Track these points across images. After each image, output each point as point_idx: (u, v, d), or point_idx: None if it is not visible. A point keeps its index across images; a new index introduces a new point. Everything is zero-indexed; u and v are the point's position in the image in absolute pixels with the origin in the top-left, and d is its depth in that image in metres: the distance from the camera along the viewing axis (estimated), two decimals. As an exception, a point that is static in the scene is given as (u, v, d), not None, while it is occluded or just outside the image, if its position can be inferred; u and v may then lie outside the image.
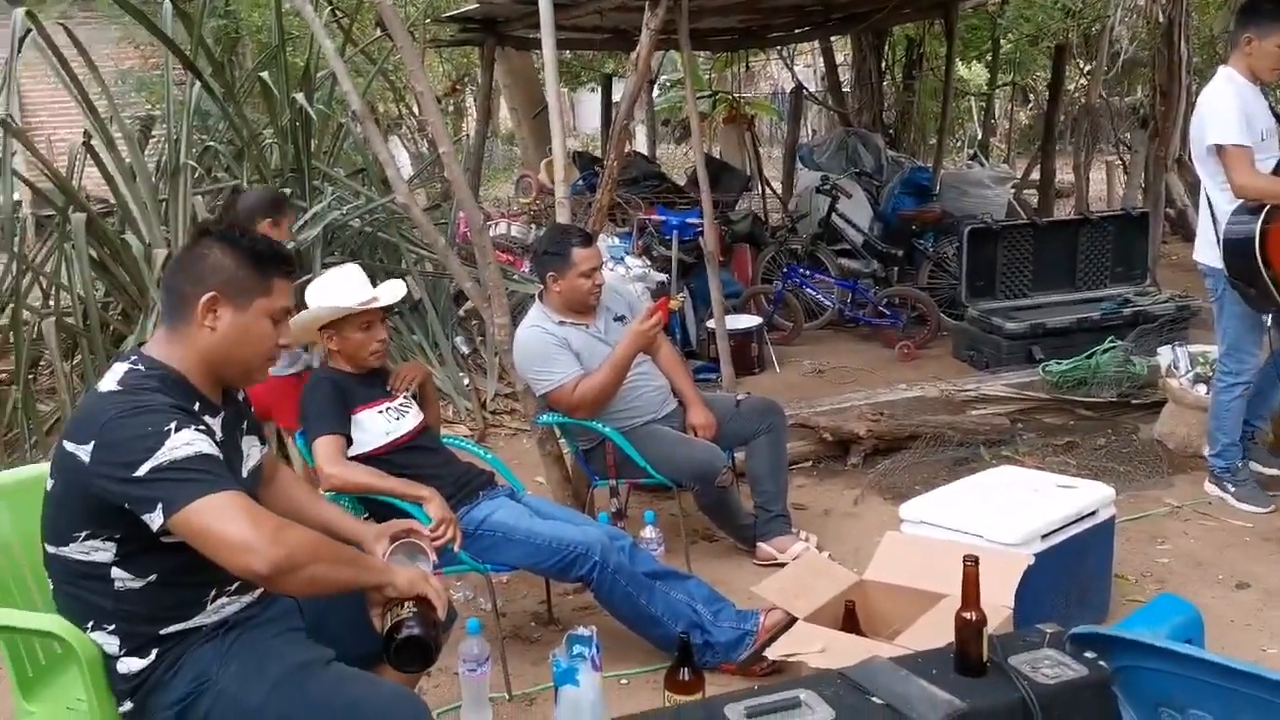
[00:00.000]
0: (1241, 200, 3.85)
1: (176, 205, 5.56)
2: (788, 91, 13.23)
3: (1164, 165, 8.21)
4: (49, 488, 1.99)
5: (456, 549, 2.99)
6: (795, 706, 1.97)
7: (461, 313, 6.69)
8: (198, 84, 5.86)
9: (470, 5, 7.42)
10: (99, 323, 5.20)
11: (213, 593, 2.05)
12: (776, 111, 16.71)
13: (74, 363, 5.37)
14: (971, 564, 2.07)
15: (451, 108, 16.34)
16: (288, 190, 5.76)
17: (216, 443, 1.97)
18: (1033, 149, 12.63)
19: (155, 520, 1.84)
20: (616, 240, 6.59)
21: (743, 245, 7.90)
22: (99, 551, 1.95)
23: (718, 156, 10.99)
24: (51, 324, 5.06)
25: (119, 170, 5.52)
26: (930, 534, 3.12)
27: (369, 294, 3.16)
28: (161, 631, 2.01)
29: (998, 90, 13.62)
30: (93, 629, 2.00)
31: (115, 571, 1.96)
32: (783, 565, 3.61)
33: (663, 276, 6.48)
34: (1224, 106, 3.89)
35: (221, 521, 1.82)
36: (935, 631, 2.44)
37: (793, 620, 2.87)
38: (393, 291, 3.26)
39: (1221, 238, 3.94)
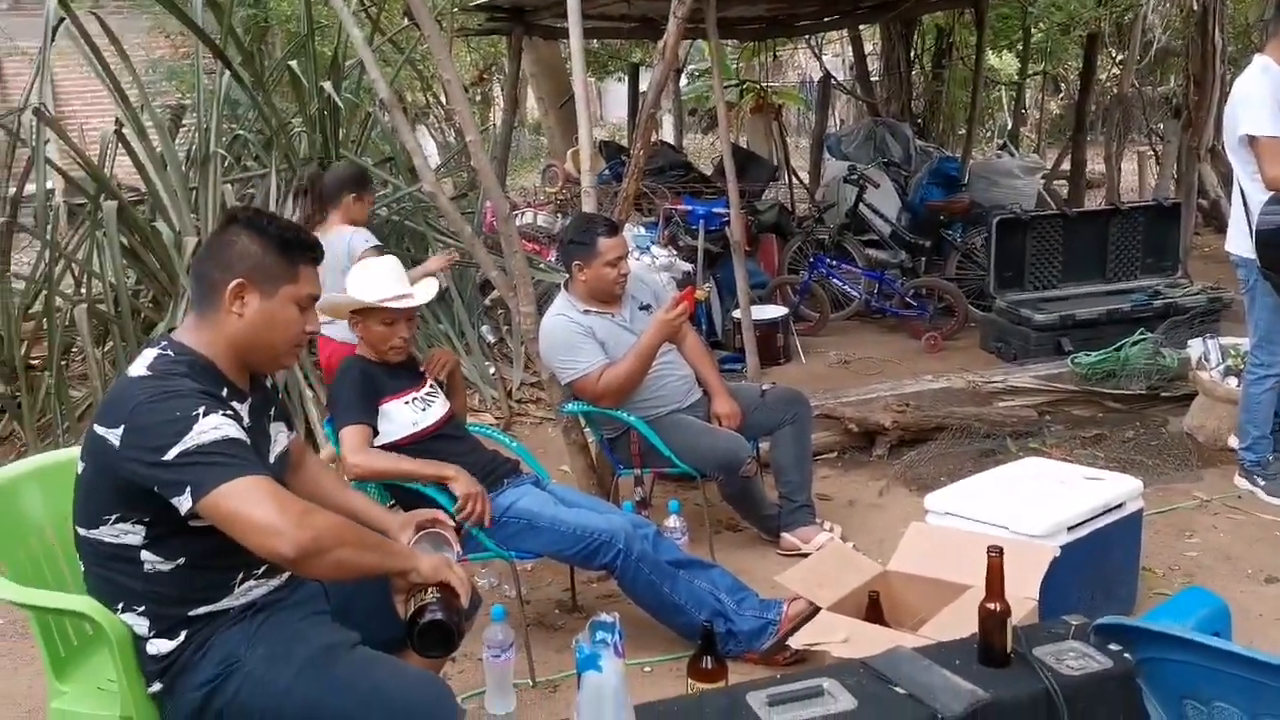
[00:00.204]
0: (1275, 191, 3.80)
1: (206, 193, 5.61)
2: (815, 81, 13.17)
3: (1197, 156, 8.11)
4: (80, 471, 2.02)
5: (486, 523, 3.01)
6: (818, 695, 1.97)
7: (487, 302, 6.71)
8: (227, 73, 5.90)
9: (498, -6, 7.42)
10: (130, 309, 5.25)
11: (240, 576, 2.08)
12: (804, 101, 16.64)
13: (106, 349, 5.43)
14: (996, 555, 2.07)
15: (479, 97, 16.36)
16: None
17: (244, 428, 1.98)
18: (1063, 139, 12.52)
19: (184, 504, 1.86)
20: (642, 230, 6.59)
21: (769, 235, 7.88)
22: (129, 534, 1.98)
23: (745, 146, 10.96)
24: (84, 311, 5.12)
25: (150, 159, 5.57)
26: (955, 525, 3.11)
27: (397, 291, 3.14)
28: (190, 613, 2.03)
29: (1028, 80, 13.50)
30: (123, 610, 2.03)
31: (145, 554, 1.99)
32: (806, 556, 3.60)
33: (688, 266, 6.48)
34: (1258, 96, 3.84)
35: (248, 505, 1.84)
36: (959, 622, 2.43)
37: (816, 610, 2.87)
38: (424, 292, 3.25)
39: (1254, 228, 3.89)
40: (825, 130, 10.92)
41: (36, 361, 5.57)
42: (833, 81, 11.53)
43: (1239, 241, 4.04)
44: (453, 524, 2.46)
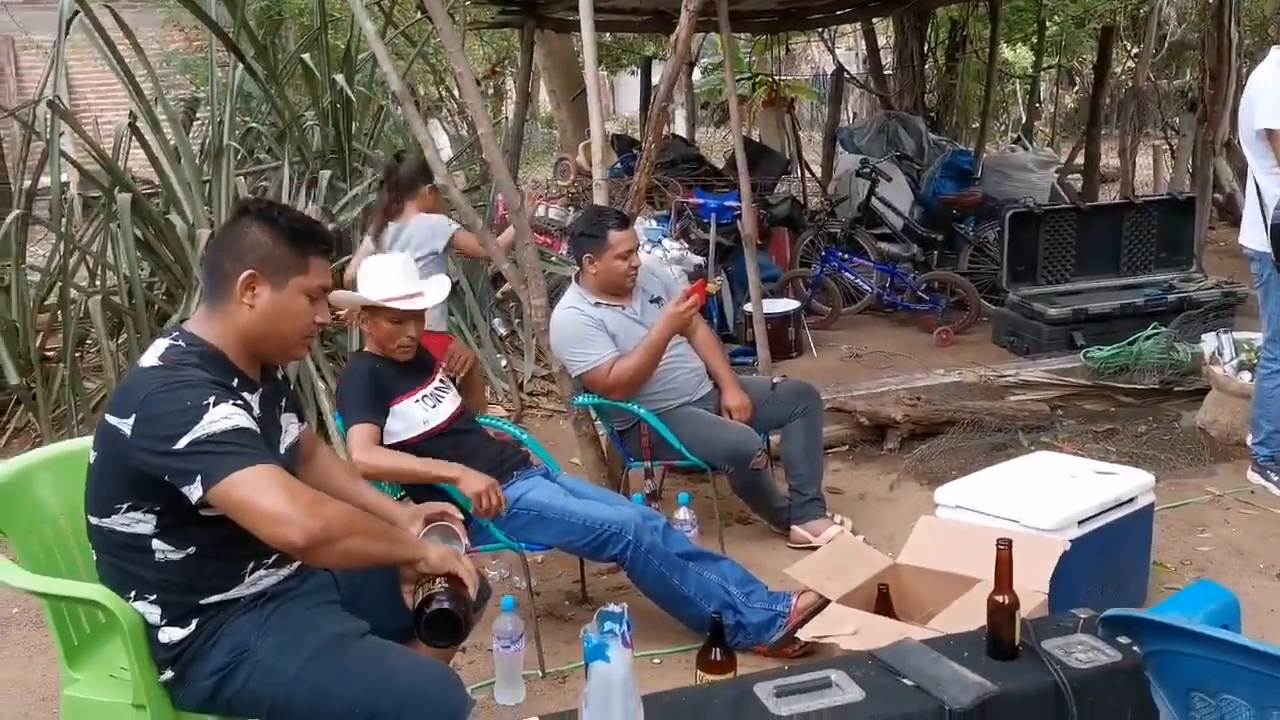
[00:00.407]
0: None
1: (219, 186, 5.63)
2: (828, 75, 13.14)
3: (1212, 150, 8.07)
4: (92, 460, 2.04)
5: (502, 515, 3.00)
6: (826, 686, 1.98)
7: (499, 295, 6.72)
8: (240, 66, 5.92)
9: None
10: (144, 301, 5.27)
11: (250, 565, 2.09)
12: (817, 94, 16.60)
13: (120, 341, 5.46)
14: (1005, 547, 2.06)
15: (491, 90, 16.36)
16: (328, 172, 5.81)
17: (254, 418, 1.99)
18: (1078, 133, 12.46)
19: (194, 492, 1.87)
20: (654, 223, 6.58)
21: (781, 229, 7.87)
22: (140, 523, 1.99)
23: (757, 139, 10.94)
24: (98, 302, 5.15)
25: (164, 151, 5.59)
26: (965, 518, 3.11)
27: (408, 289, 3.12)
28: (201, 602, 2.05)
29: (1043, 73, 13.44)
30: (134, 599, 2.04)
31: (156, 543, 2.01)
32: (817, 549, 3.61)
33: (700, 259, 6.48)
34: (1274, 89, 3.81)
35: (258, 494, 1.85)
36: (969, 615, 2.43)
37: (825, 602, 2.87)
38: (435, 292, 3.23)
39: (1269, 222, 3.87)
40: (838, 123, 10.90)
41: (51, 353, 5.60)
42: (846, 75, 11.48)
43: (1253, 235, 4.03)
44: (461, 516, 2.47)
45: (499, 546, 3.19)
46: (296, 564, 2.18)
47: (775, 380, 4.20)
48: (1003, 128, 15.09)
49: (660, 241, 6.33)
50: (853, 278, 7.36)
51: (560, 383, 4.16)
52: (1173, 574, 3.57)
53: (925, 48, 10.69)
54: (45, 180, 5.65)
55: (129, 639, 2.02)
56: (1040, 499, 3.07)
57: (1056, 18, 12.09)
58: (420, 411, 3.16)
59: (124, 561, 2.03)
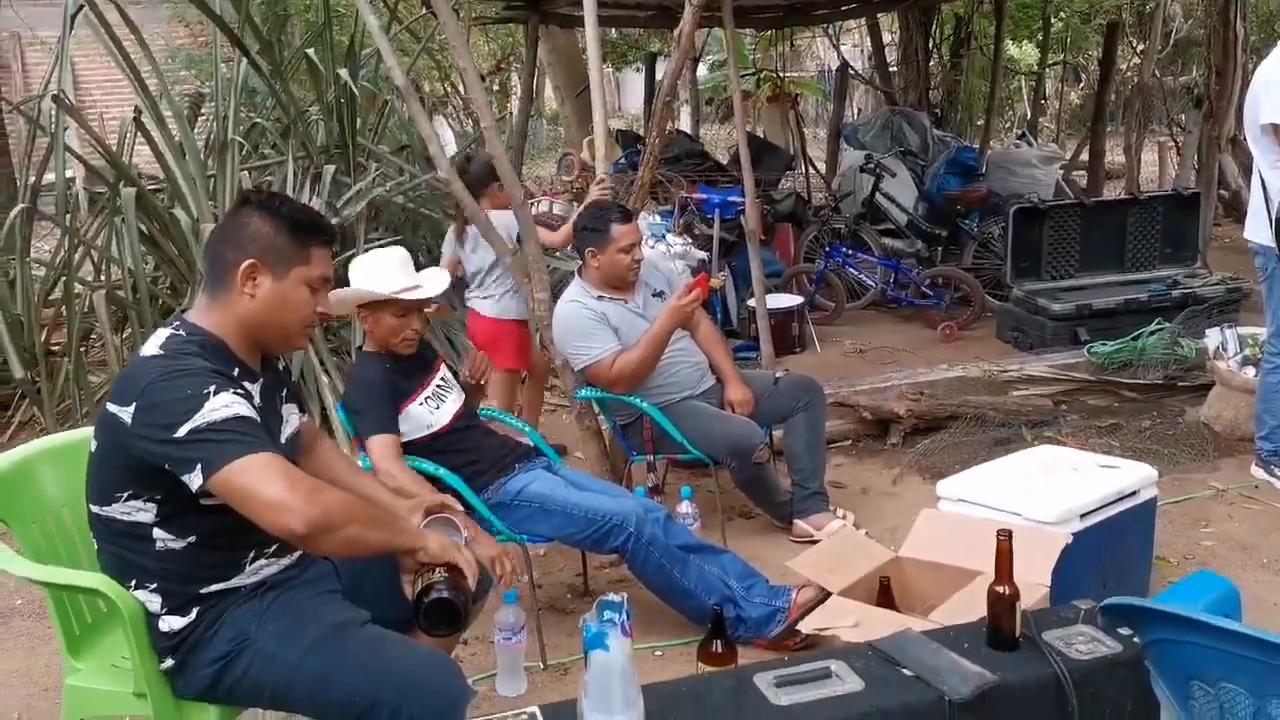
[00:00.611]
0: None
1: (224, 181, 5.64)
2: (833, 71, 13.13)
3: (1218, 146, 8.05)
4: (93, 449, 2.04)
5: (519, 578, 2.94)
6: (825, 677, 1.98)
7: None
8: (245, 61, 5.92)
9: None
10: (148, 296, 5.28)
11: (251, 554, 2.09)
12: (822, 91, 16.59)
13: (124, 335, 5.47)
14: (1005, 538, 2.06)
15: (496, 87, 16.37)
16: (332, 167, 5.81)
17: (255, 407, 2.00)
18: (1083, 130, 12.44)
19: (194, 481, 1.87)
20: (657, 218, 6.58)
21: (785, 224, 7.86)
22: (140, 512, 2.00)
23: (761, 136, 10.93)
24: (102, 296, 5.16)
25: (168, 146, 5.59)
26: (967, 511, 3.10)
27: (408, 282, 3.08)
28: (202, 591, 2.05)
29: (1048, 69, 13.41)
30: (135, 587, 2.05)
31: (156, 532, 2.01)
32: (819, 542, 3.60)
33: (703, 255, 6.47)
34: (1279, 83, 3.80)
35: (259, 482, 1.86)
36: (970, 608, 2.43)
37: (826, 596, 2.87)
38: (435, 283, 3.17)
39: (1273, 216, 3.86)
40: (842, 119, 10.88)
41: (56, 347, 5.61)
42: (850, 71, 11.47)
43: (1258, 229, 4.02)
44: (461, 508, 2.47)
45: (500, 539, 3.17)
46: (297, 554, 2.18)
47: (778, 374, 4.20)
48: (1008, 124, 15.06)
49: (664, 236, 6.32)
50: (857, 273, 7.36)
51: (563, 377, 4.16)
52: (1175, 568, 3.57)
53: (930, 44, 10.68)
54: (51, 176, 5.65)
55: (129, 628, 2.03)
56: (1042, 492, 3.07)
57: (1062, 14, 12.07)
58: (425, 414, 3.15)
59: (125, 550, 2.04)
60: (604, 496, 3.19)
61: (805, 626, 2.75)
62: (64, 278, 5.49)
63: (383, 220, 6.31)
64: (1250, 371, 4.62)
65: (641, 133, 9.47)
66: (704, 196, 6.98)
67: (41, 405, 5.23)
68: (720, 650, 2.47)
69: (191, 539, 2.02)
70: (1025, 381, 5.24)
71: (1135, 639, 1.90)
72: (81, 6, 5.30)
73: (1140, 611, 1.58)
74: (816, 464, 3.97)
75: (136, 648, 2.04)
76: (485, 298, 4.61)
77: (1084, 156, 10.57)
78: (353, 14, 6.96)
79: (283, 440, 2.17)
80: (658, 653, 3.16)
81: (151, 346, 2.01)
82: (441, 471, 3.06)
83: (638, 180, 4.50)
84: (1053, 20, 12.15)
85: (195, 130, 6.39)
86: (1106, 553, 3.07)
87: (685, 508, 3.69)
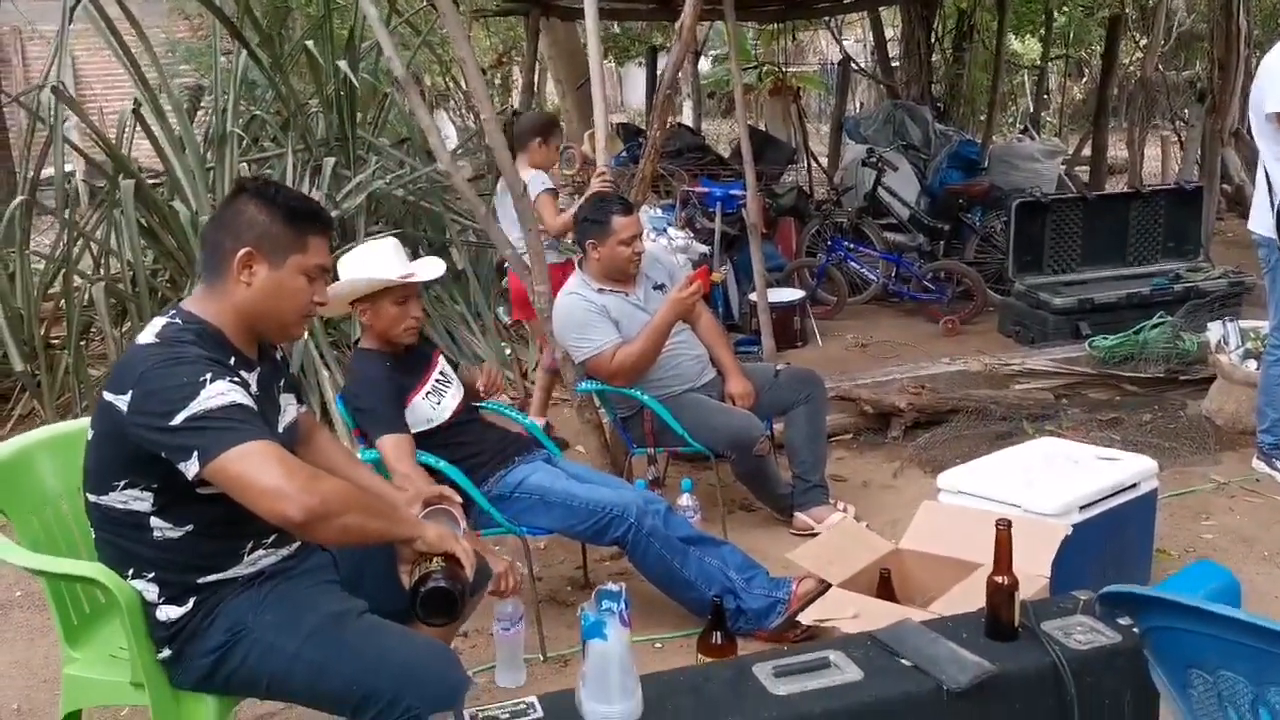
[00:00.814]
0: None
1: (223, 173, 5.63)
2: (836, 65, 13.11)
3: (1220, 139, 8.04)
4: (89, 437, 2.04)
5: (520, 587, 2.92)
6: (824, 667, 1.96)
7: (504, 284, 6.71)
8: (245, 53, 5.91)
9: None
10: (148, 288, 5.28)
11: (249, 545, 2.09)
12: (825, 85, 16.57)
13: (124, 329, 5.47)
14: (1004, 527, 2.05)
15: (498, 80, 16.34)
16: (332, 159, 5.81)
17: (252, 396, 1.99)
18: (1086, 125, 12.42)
19: (191, 468, 1.86)
20: (659, 211, 6.57)
21: (787, 218, 7.85)
22: (137, 501, 1.99)
23: (763, 129, 10.92)
24: (102, 289, 5.15)
25: (168, 139, 5.59)
26: (968, 504, 3.10)
27: (407, 268, 3.08)
28: (199, 581, 2.05)
29: (1051, 64, 13.39)
30: (133, 577, 2.04)
31: (154, 521, 2.00)
32: (819, 535, 3.60)
33: (705, 248, 6.47)
34: None
35: (255, 469, 1.85)
36: (970, 600, 2.42)
37: (826, 588, 2.86)
38: (432, 267, 3.18)
39: (1277, 208, 3.85)
40: (844, 113, 10.87)
41: (56, 340, 5.61)
42: (852, 65, 11.45)
43: (1261, 220, 4.00)
44: (460, 500, 2.46)
45: (501, 531, 3.18)
46: (296, 544, 2.18)
47: (778, 367, 4.20)
48: (1011, 120, 15.04)
49: (666, 230, 6.32)
50: (858, 267, 7.35)
51: (564, 370, 4.16)
52: (1176, 561, 3.56)
53: (932, 38, 10.66)
54: (51, 170, 5.65)
55: (127, 617, 2.02)
56: (1042, 484, 3.06)
57: (1065, 8, 12.04)
58: (427, 409, 3.14)
59: (122, 539, 2.03)
60: (604, 488, 3.18)
61: (805, 618, 2.74)
62: (63, 271, 5.49)
63: (383, 213, 6.30)
64: (1252, 365, 4.61)
65: (642, 126, 9.46)
66: (706, 190, 6.97)
67: (41, 398, 5.23)
68: (720, 642, 2.46)
69: (189, 528, 2.02)
70: (1027, 375, 5.22)
71: (1134, 629, 1.89)
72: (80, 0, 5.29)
73: (1138, 599, 1.57)
74: (817, 457, 3.96)
75: (134, 637, 2.04)
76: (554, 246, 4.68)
77: (1086, 151, 10.55)
78: (352, 6, 6.95)
79: (280, 429, 2.16)
80: (657, 645, 3.16)
81: (148, 335, 2.01)
82: (442, 464, 3.05)
83: (639, 173, 4.49)
84: (1055, 14, 12.13)
85: (194, 123, 6.38)
86: (1106, 545, 3.06)
87: (686, 500, 3.69)
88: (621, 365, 3.76)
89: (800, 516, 3.90)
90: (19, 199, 5.52)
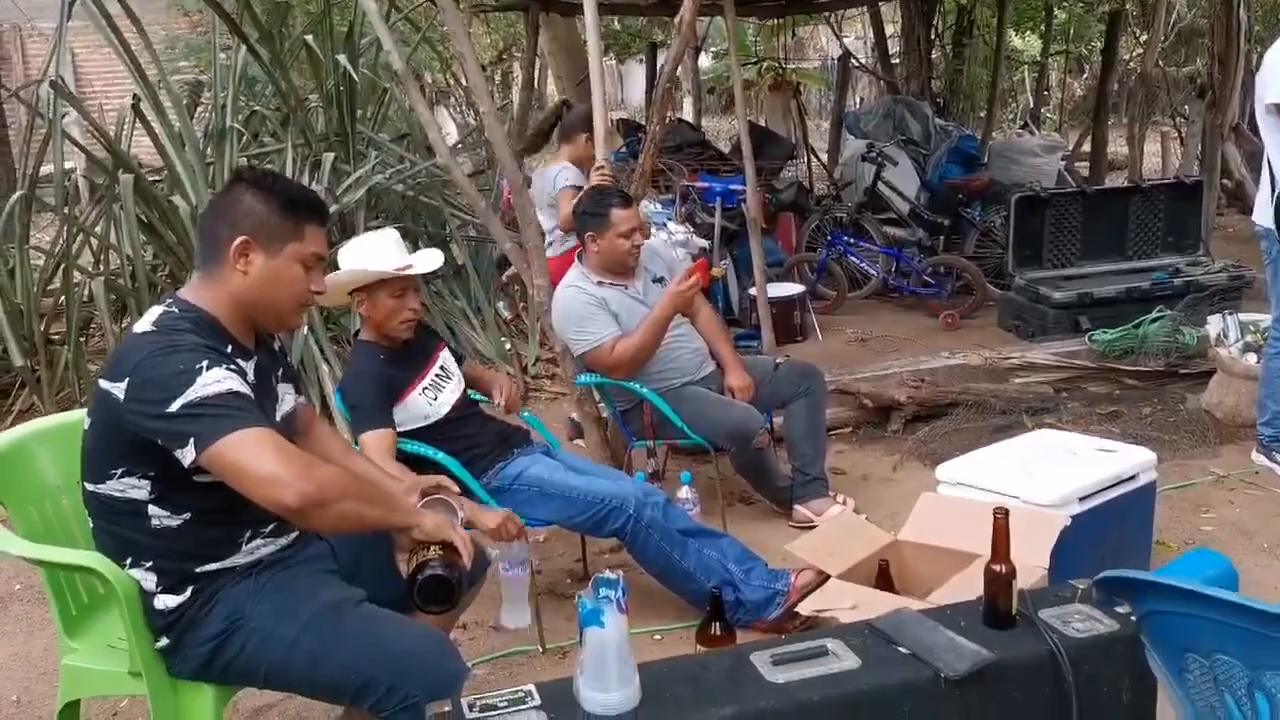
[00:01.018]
0: None
1: (223, 169, 5.63)
2: (835, 60, 13.10)
3: (1220, 134, 8.03)
4: (86, 426, 2.03)
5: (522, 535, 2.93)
6: (822, 655, 1.97)
7: (504, 278, 6.72)
8: (244, 50, 5.91)
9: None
10: (147, 284, 5.28)
11: (248, 533, 2.09)
12: (825, 81, 16.55)
13: (123, 324, 5.47)
14: (1001, 515, 2.05)
15: (499, 77, 16.34)
16: (331, 154, 5.80)
17: (249, 384, 1.99)
18: (1086, 121, 12.41)
19: (187, 455, 1.86)
20: (659, 206, 6.57)
21: (787, 213, 7.85)
22: (135, 489, 1.99)
23: (763, 125, 10.91)
24: (101, 285, 5.16)
25: (168, 135, 5.59)
26: (967, 495, 3.10)
27: (405, 260, 3.07)
28: (197, 570, 2.04)
29: (1051, 59, 13.37)
30: (131, 565, 2.04)
31: (152, 509, 2.00)
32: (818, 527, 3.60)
33: (704, 242, 6.46)
34: None
35: (251, 456, 1.85)
36: (968, 590, 2.42)
37: (825, 579, 2.86)
38: (430, 260, 3.17)
39: (1276, 197, 3.84)
40: (844, 108, 10.86)
41: (56, 336, 5.62)
42: (853, 61, 11.44)
43: (1265, 211, 3.99)
44: (457, 489, 2.47)
45: (499, 523, 3.18)
46: (294, 534, 2.18)
47: (778, 360, 4.20)
48: (1011, 116, 15.03)
49: (666, 224, 6.31)
50: (858, 262, 7.34)
51: (563, 363, 4.16)
52: (1176, 553, 3.55)
53: (932, 33, 10.65)
54: (52, 168, 5.65)
55: (124, 606, 2.02)
56: (1041, 475, 3.06)
57: (1064, 3, 12.02)
58: (424, 405, 3.14)
59: (120, 527, 2.03)
60: (603, 480, 3.18)
61: (804, 608, 2.75)
62: (63, 266, 5.49)
63: (382, 208, 6.30)
64: (1251, 358, 4.61)
65: (643, 122, 9.44)
66: (706, 185, 6.96)
67: (41, 393, 5.23)
68: (719, 633, 2.47)
69: (187, 516, 2.02)
70: (1026, 369, 5.22)
71: (1132, 616, 1.89)
72: (80, -7, 5.29)
73: (1135, 583, 1.57)
74: (816, 450, 3.96)
75: (131, 626, 2.04)
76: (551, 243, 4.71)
77: (1086, 148, 10.54)
78: (351, 2, 6.95)
79: (277, 419, 2.16)
80: (656, 636, 3.16)
81: (145, 323, 2.01)
82: (440, 456, 3.05)
83: (639, 167, 4.49)
84: (1055, 10, 12.11)
85: (194, 119, 6.38)
86: (1105, 536, 3.06)
87: (685, 493, 3.69)
88: (620, 358, 3.76)
89: (800, 509, 3.90)
90: (18, 194, 5.52)
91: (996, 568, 2.03)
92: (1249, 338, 4.76)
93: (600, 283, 3.87)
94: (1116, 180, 10.55)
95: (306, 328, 5.03)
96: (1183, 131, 10.61)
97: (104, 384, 1.95)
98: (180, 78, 8.64)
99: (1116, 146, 11.30)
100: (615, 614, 1.84)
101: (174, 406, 1.86)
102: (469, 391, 3.32)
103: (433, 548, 2.07)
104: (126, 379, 1.91)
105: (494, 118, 4.17)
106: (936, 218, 7.47)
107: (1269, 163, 3.94)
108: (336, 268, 3.06)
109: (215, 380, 1.89)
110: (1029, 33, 14.51)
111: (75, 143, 5.79)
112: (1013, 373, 5.19)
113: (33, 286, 5.53)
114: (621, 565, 3.50)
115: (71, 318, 5.29)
